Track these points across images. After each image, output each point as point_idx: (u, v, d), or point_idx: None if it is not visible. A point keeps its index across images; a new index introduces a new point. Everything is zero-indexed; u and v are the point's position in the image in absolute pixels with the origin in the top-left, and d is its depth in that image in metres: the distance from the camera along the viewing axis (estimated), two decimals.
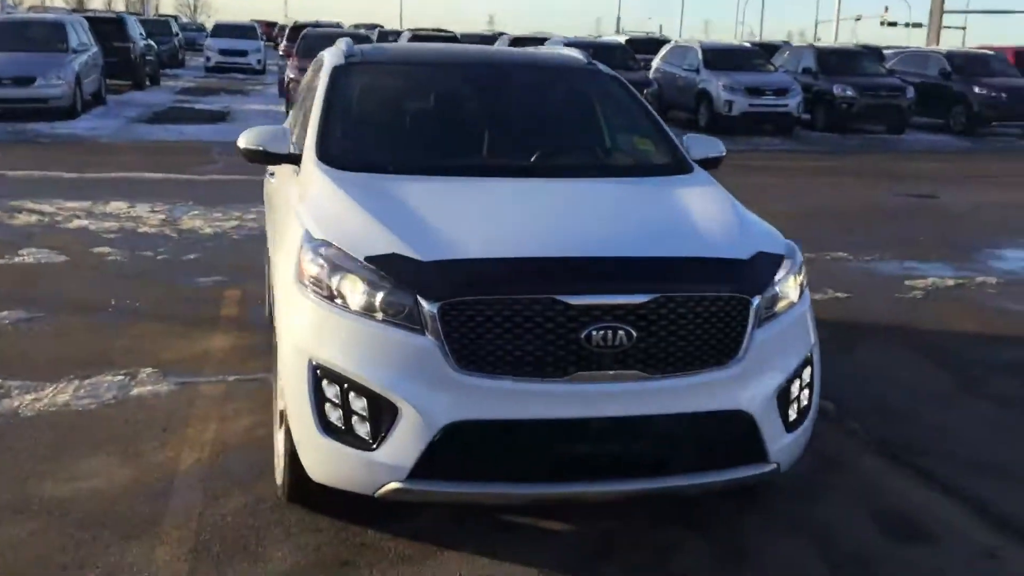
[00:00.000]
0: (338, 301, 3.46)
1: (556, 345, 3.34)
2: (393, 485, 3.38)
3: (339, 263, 3.50)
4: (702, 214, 4.11)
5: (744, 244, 3.84)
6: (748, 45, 26.27)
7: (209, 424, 4.74)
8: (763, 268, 3.73)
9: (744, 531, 3.95)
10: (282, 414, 3.79)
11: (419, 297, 3.33)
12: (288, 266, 3.76)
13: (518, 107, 5.18)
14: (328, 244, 3.57)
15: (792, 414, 3.67)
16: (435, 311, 3.31)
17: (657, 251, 3.71)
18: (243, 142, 4.54)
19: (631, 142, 5.07)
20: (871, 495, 4.30)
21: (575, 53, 5.65)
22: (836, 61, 23.31)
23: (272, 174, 5.51)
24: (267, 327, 5.21)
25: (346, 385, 3.39)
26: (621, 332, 3.36)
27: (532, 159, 4.59)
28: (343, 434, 3.42)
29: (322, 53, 5.48)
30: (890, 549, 3.89)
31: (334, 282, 3.48)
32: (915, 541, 3.96)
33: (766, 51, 24.98)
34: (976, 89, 22.56)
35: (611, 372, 3.38)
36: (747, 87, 20.76)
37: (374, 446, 3.37)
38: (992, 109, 22.36)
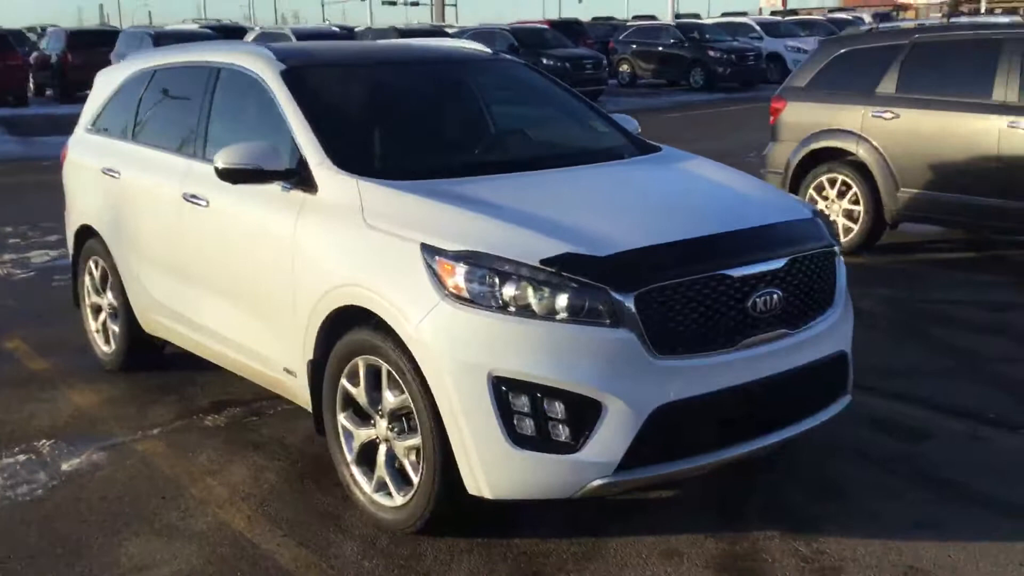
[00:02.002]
0: (511, 309, 3.34)
1: (728, 316, 3.49)
2: (598, 482, 3.35)
3: (509, 271, 3.37)
4: (743, 184, 4.46)
5: (796, 204, 4.27)
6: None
7: (229, 476, 4.43)
8: (823, 221, 4.13)
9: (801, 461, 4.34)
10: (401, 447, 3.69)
11: (611, 291, 3.30)
12: (391, 287, 3.56)
13: (480, 102, 5.19)
14: (481, 254, 3.42)
15: None
16: (630, 302, 3.30)
17: (768, 219, 3.92)
18: (227, 161, 4.11)
19: (590, 127, 5.12)
20: None
21: (478, 46, 5.68)
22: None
23: (114, 173, 5.32)
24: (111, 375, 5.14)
25: (538, 392, 3.30)
26: (774, 296, 3.57)
27: (545, 151, 4.70)
28: (539, 442, 3.34)
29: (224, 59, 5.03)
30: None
31: (507, 291, 3.35)
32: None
33: None
34: (710, 53, 28.64)
35: (769, 334, 3.56)
36: None
37: (577, 447, 3.31)
38: (722, 69, 28.44)
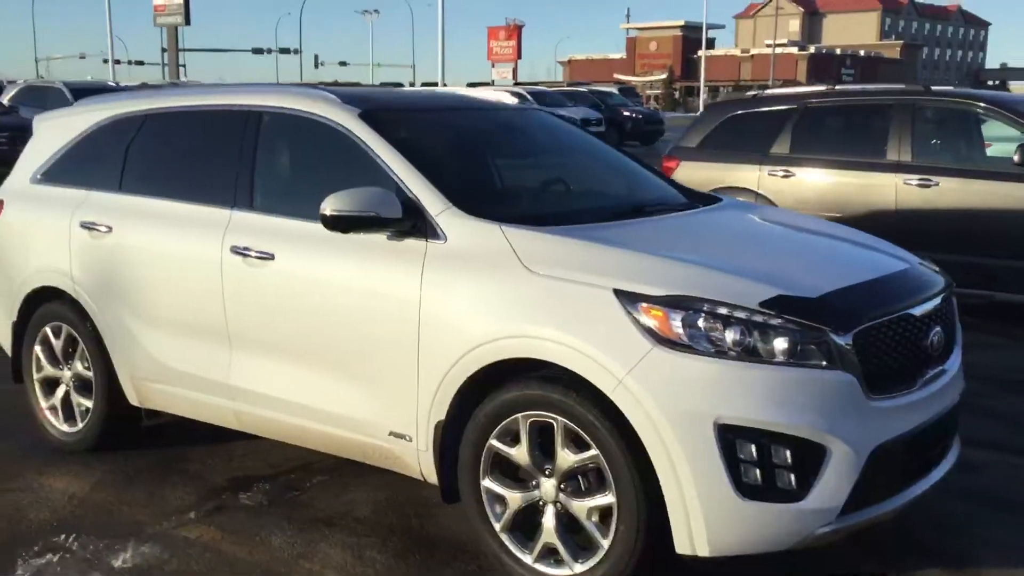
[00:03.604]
0: (731, 353, 3.25)
1: (913, 354, 3.55)
2: (823, 530, 3.28)
3: (726, 314, 3.27)
4: (843, 230, 4.58)
5: (899, 249, 4.32)
6: None
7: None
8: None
9: None
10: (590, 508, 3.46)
11: (829, 332, 3.28)
12: (578, 336, 3.36)
13: (552, 149, 5.06)
14: (694, 298, 3.30)
15: None
16: (848, 343, 3.29)
17: (907, 261, 4.02)
18: (339, 208, 3.78)
19: (643, 175, 5.09)
20: None
21: (505, 96, 5.65)
22: None
23: (100, 227, 4.85)
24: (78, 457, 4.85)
25: (764, 439, 3.21)
26: (940, 333, 3.67)
27: (638, 198, 4.61)
28: (765, 491, 3.23)
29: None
30: None
31: (729, 335, 3.25)
32: None
33: None
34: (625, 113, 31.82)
35: (935, 371, 3.67)
36: None
37: (803, 494, 3.24)
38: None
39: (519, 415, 3.55)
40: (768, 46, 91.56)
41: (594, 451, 3.39)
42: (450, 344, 3.66)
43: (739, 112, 9.10)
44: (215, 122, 4.74)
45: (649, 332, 3.28)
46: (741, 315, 3.27)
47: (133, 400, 4.93)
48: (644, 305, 3.31)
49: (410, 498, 4.48)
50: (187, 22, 50.07)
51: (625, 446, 3.31)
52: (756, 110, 8.99)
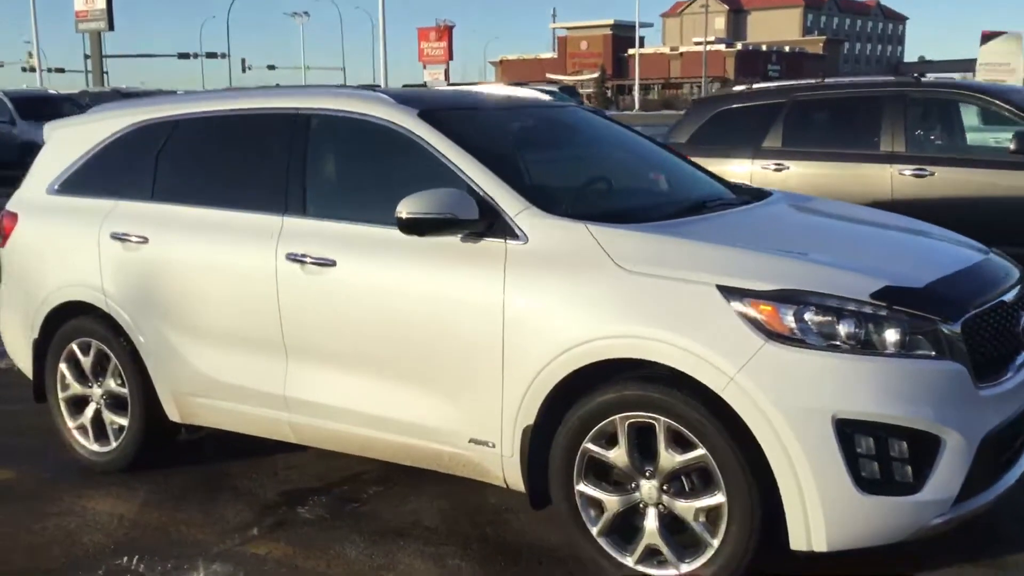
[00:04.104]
0: (844, 347, 3.22)
1: (1008, 341, 3.57)
2: (937, 520, 3.28)
3: (838, 307, 3.25)
4: (904, 219, 4.62)
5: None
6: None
7: None
8: None
9: None
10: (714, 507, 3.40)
11: (939, 322, 3.27)
12: (682, 335, 3.31)
13: (604, 146, 5.01)
14: (804, 292, 3.27)
15: None
16: (957, 331, 3.29)
17: (985, 250, 4.05)
18: (415, 210, 3.70)
19: (689, 171, 5.05)
20: None
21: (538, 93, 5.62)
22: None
23: (135, 238, 4.70)
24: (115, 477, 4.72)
25: (881, 432, 3.20)
26: None
27: (698, 194, 4.55)
28: (883, 485, 3.22)
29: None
30: None
31: (841, 328, 3.23)
32: None
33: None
34: None
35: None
36: None
37: (919, 486, 3.24)
38: None
39: (616, 417, 3.49)
40: (697, 44, 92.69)
41: (701, 451, 3.35)
42: (539, 348, 3.58)
43: (728, 107, 9.12)
44: (257, 126, 4.61)
45: (759, 327, 3.24)
46: (852, 307, 3.25)
47: (173, 416, 4.77)
48: (752, 300, 3.27)
49: (476, 505, 4.40)
50: (111, 27, 48.98)
51: (735, 444, 3.27)
52: (745, 104, 9.02)
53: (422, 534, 4.15)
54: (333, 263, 4.09)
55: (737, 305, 3.27)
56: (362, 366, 4.09)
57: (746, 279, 3.32)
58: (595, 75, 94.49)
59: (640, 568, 3.54)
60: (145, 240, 4.67)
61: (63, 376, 5.09)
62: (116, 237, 4.77)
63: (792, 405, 3.18)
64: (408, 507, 4.42)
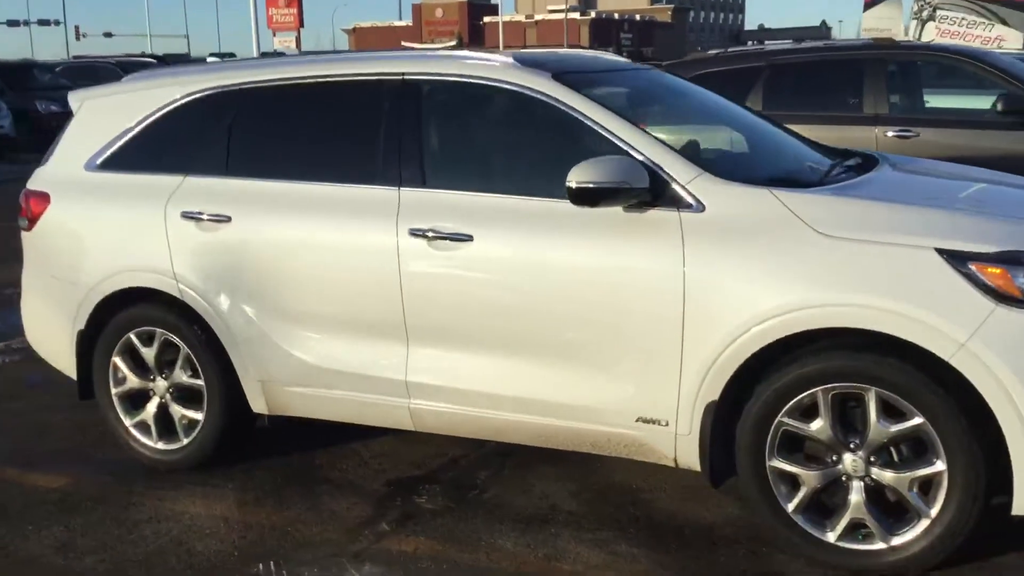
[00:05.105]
0: None
1: None
2: None
3: None
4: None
5: None
6: None
7: None
8: None
9: None
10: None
11: None
12: (903, 301, 3.20)
13: (704, 111, 4.89)
14: None
15: None
16: None
17: None
18: (588, 179, 3.49)
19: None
20: None
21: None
22: None
23: (213, 217, 4.33)
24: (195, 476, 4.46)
25: None
26: None
27: (831, 157, 4.46)
28: None
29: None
30: None
31: None
32: None
33: None
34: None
35: None
36: None
37: None
38: None
39: (818, 389, 3.37)
40: (552, 11, 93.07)
41: (918, 419, 3.26)
42: (729, 321, 3.43)
43: (705, 71, 9.08)
44: (352, 94, 4.26)
45: (988, 291, 3.16)
46: None
47: (258, 407, 4.42)
48: (977, 264, 3.19)
49: (604, 485, 4.25)
50: None
51: (958, 411, 3.19)
52: (722, 69, 9.01)
53: (569, 519, 3.96)
54: (469, 238, 3.82)
55: (961, 268, 3.19)
56: (502, 346, 3.85)
57: (968, 242, 3.23)
58: (452, 43, 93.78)
59: (842, 544, 3.44)
60: (227, 219, 4.29)
61: (117, 370, 4.65)
62: (188, 216, 4.37)
63: None
64: (535, 491, 4.21)
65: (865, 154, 4.58)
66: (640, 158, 3.62)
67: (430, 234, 3.88)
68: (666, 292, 3.52)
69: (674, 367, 3.55)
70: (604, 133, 3.73)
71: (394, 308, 3.99)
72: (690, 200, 3.55)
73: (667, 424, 3.62)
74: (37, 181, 4.87)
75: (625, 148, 3.67)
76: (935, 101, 9.16)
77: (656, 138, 3.71)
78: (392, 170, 4.03)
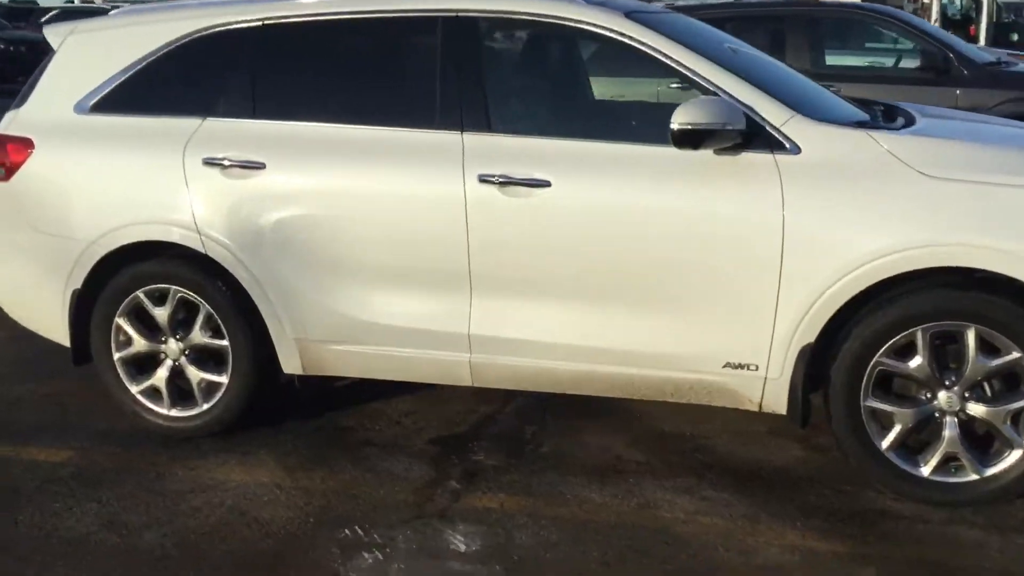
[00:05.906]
0: None
1: None
2: None
3: None
4: None
5: None
6: None
7: None
8: None
9: None
10: None
11: None
12: (1014, 239, 3.30)
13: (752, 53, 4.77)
14: None
15: None
16: None
17: None
18: (691, 120, 3.43)
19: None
20: None
21: None
22: None
23: (244, 164, 4.03)
24: (220, 442, 4.25)
25: None
26: None
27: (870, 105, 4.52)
28: None
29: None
30: None
31: None
32: None
33: None
34: None
35: None
36: None
37: None
38: None
39: (917, 328, 3.44)
40: None
41: (1016, 354, 3.38)
42: (829, 264, 3.45)
43: None
44: (397, 31, 4.03)
45: None
46: None
47: (291, 368, 4.17)
48: None
49: (657, 433, 4.25)
50: None
51: None
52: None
53: (641, 468, 3.93)
54: (546, 183, 3.69)
55: None
56: (579, 296, 3.76)
57: None
58: None
59: (936, 478, 3.54)
60: (260, 165, 3.99)
61: (120, 331, 4.29)
62: (211, 163, 4.05)
63: None
64: (592, 443, 4.15)
65: (887, 104, 4.68)
66: (739, 101, 3.57)
67: (502, 180, 3.72)
68: (764, 236, 3.50)
69: (769, 311, 3.55)
70: (689, 74, 3.66)
71: (458, 258, 3.82)
72: (785, 143, 3.53)
73: (757, 368, 3.62)
74: (15, 125, 4.40)
75: (713, 90, 3.61)
76: (832, 60, 9.47)
77: (744, 78, 3.65)
78: (453, 113, 3.83)
